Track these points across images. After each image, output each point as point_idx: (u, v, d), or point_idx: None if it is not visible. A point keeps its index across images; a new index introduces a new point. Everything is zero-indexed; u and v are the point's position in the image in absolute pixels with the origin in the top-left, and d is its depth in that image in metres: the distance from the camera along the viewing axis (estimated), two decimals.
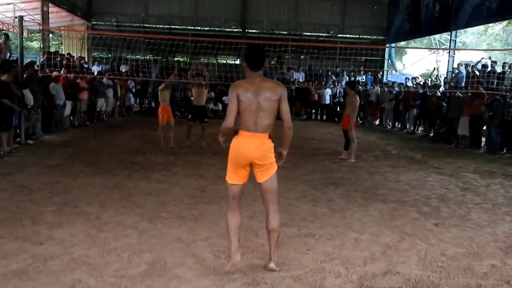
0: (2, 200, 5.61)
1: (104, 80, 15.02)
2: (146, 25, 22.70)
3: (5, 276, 3.56)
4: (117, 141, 10.97)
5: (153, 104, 18.73)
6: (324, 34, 23.43)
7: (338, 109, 18.94)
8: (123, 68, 18.89)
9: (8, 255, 3.93)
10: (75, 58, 16.88)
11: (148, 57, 22.12)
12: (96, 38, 19.51)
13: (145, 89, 19.23)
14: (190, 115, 10.69)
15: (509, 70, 13.47)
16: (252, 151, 3.59)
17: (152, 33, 20.61)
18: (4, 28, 18.91)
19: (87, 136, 11.63)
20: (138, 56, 21.74)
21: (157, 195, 6.15)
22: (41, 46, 17.69)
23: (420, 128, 15.50)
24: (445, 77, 18.27)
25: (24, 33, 11.36)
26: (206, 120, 10.50)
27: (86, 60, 20.09)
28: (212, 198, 5.99)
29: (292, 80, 20.30)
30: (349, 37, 23.61)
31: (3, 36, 12.99)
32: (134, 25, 22.65)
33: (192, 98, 10.97)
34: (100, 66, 19.28)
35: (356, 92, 9.97)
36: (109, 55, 19.83)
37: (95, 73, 16.45)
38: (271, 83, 3.71)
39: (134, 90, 18.80)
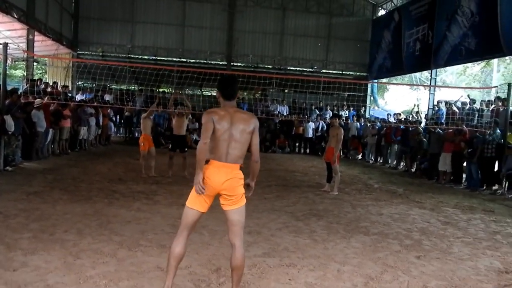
0: None
1: (87, 108, 14.95)
2: (132, 56, 22.83)
3: None
4: (98, 170, 10.83)
5: (136, 134, 18.64)
6: (308, 69, 23.85)
7: (322, 143, 19.04)
8: (107, 97, 18.85)
9: None
10: (58, 86, 16.76)
11: (133, 87, 22.14)
12: (81, 66, 19.50)
13: (130, 118, 19.20)
14: (170, 145, 10.67)
15: (487, 108, 13.79)
16: (222, 182, 3.50)
17: (137, 63, 20.70)
18: None
19: (68, 164, 11.46)
20: (123, 86, 21.74)
21: (138, 223, 6.04)
22: (25, 74, 17.57)
23: (402, 163, 15.66)
24: (426, 114, 18.64)
25: (8, 61, 11.28)
26: (186, 149, 10.44)
27: (70, 89, 20.01)
28: None
29: (276, 113, 20.50)
30: (333, 72, 24.05)
31: None
32: (120, 55, 22.73)
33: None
34: (84, 95, 19.19)
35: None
36: (94, 84, 19.83)
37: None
38: (245, 115, 3.66)
39: (114, 119, 18.75)
